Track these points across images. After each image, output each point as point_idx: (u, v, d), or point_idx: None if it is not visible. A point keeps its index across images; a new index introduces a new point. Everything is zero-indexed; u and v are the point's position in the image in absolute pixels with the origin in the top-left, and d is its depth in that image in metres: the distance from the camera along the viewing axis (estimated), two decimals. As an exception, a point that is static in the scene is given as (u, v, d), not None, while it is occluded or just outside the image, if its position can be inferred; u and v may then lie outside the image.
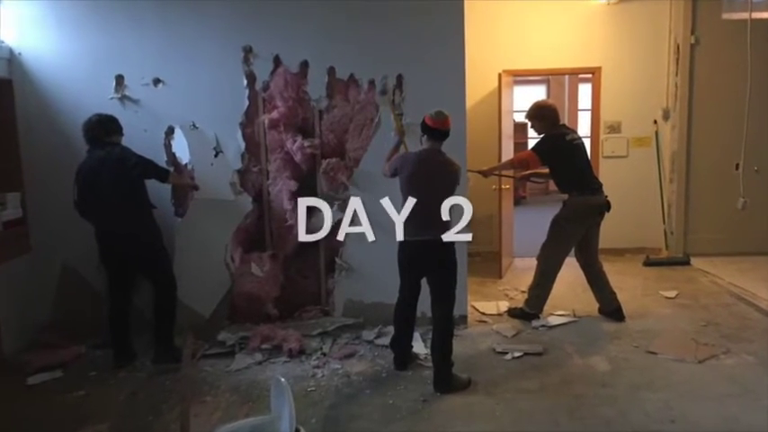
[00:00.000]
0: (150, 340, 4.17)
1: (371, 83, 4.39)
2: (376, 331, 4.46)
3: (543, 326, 4.64)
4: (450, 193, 3.69)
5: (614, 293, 4.78)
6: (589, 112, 6.99)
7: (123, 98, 4.40)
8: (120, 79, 4.39)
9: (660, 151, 6.66)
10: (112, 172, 3.91)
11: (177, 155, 4.47)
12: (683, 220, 6.58)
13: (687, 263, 6.33)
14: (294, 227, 4.41)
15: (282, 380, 2.88)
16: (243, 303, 4.50)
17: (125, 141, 4.11)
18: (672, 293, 5.40)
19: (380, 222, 4.43)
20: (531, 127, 4.80)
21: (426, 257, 3.71)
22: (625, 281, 5.73)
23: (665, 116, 6.58)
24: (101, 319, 4.19)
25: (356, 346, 4.30)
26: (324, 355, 4.16)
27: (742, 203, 5.01)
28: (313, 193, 4.48)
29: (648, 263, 6.40)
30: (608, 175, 6.04)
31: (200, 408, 3.56)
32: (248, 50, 4.37)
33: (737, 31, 5.18)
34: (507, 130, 6.24)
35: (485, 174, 4.91)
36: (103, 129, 4.01)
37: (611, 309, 4.74)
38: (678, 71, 6.38)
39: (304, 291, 4.64)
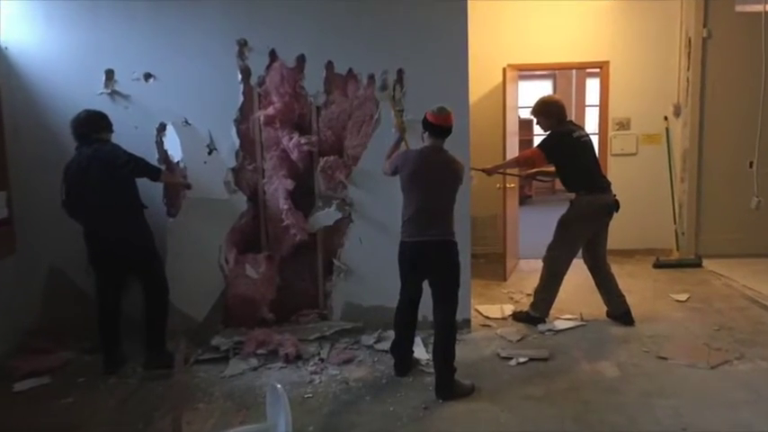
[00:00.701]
0: (141, 345, 4.00)
1: (371, 78, 4.24)
2: (376, 336, 4.31)
3: (549, 330, 4.48)
4: (453, 192, 3.58)
5: (623, 296, 4.61)
6: (597, 108, 6.82)
7: (113, 93, 4.25)
8: (109, 74, 4.24)
9: (671, 149, 6.47)
10: (102, 170, 3.77)
11: (169, 152, 4.32)
12: (694, 221, 6.38)
13: (699, 265, 6.15)
14: (291, 227, 4.26)
15: (278, 386, 2.77)
16: (237, 307, 4.35)
17: (115, 138, 3.96)
18: (683, 296, 5.23)
19: (381, 222, 4.33)
20: (537, 123, 4.63)
21: (428, 259, 3.56)
22: (634, 283, 5.57)
23: (676, 112, 6.39)
24: (90, 322, 4.02)
25: (355, 351, 4.14)
26: (321, 360, 4.01)
27: (756, 203, 4.84)
28: (310, 192, 4.35)
29: (659, 265, 6.21)
30: (617, 174, 5.90)
31: (193, 415, 3.43)
32: (243, 44, 4.22)
33: (751, 24, 5.03)
34: (512, 126, 6.07)
35: (489, 172, 4.76)
36: (92, 125, 3.87)
37: (619, 312, 4.58)
38: (690, 66, 6.18)
39: (301, 293, 4.49)
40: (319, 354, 4.08)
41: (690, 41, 6.17)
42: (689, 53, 6.19)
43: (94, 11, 4.22)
